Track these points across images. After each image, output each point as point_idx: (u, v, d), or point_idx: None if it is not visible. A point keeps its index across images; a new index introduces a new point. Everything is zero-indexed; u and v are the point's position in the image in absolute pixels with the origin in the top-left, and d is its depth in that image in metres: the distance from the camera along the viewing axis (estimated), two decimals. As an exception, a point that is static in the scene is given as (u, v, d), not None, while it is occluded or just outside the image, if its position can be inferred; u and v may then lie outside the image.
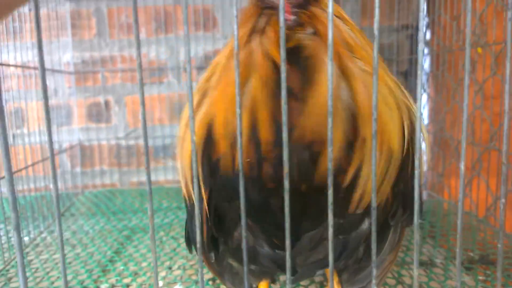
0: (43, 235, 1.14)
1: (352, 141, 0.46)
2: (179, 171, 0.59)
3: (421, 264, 0.86)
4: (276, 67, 0.46)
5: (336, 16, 0.50)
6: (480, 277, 0.79)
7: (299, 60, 0.48)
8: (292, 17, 0.49)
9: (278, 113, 0.43)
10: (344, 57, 0.47)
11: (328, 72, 0.40)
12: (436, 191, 1.45)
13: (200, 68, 1.57)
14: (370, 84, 0.45)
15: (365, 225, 0.56)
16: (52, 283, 0.86)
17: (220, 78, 0.52)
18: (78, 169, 1.58)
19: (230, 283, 0.67)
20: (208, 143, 0.51)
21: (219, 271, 0.67)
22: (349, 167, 0.47)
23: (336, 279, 0.65)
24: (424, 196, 1.57)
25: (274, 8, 0.49)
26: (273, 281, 0.70)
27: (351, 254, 0.59)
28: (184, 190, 0.60)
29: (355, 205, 0.50)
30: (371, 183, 0.44)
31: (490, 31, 1.13)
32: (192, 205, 0.58)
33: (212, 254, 0.61)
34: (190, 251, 0.68)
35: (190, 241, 0.66)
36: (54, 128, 1.47)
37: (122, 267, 0.92)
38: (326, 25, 0.41)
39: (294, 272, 0.60)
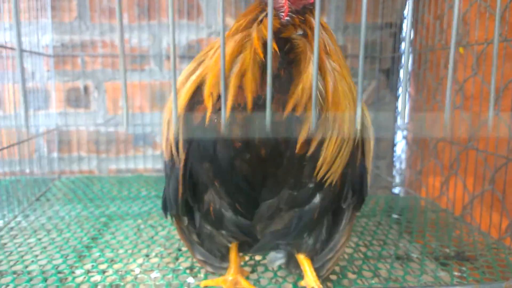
0: (17, 219, 1.11)
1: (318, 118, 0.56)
2: (162, 131, 0.64)
3: (397, 258, 0.88)
4: (266, 51, 0.50)
5: (321, 25, 0.60)
6: (456, 273, 0.81)
7: (289, 51, 0.58)
8: (287, 18, 0.60)
9: (262, 84, 0.55)
10: (322, 58, 0.58)
11: (313, 64, 0.50)
12: (413, 189, 1.48)
13: (183, 57, 1.56)
14: (337, 80, 0.58)
15: (316, 199, 0.63)
16: (26, 266, 0.84)
17: (216, 51, 0.59)
18: (55, 154, 1.54)
19: (206, 250, 0.77)
20: (192, 103, 0.58)
21: (189, 239, 0.77)
22: (314, 138, 0.56)
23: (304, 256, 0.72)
24: (402, 193, 1.60)
25: (274, 8, 0.59)
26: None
27: (305, 228, 0.67)
28: (164, 149, 0.64)
29: (317, 172, 0.58)
30: (330, 155, 0.57)
31: (472, 31, 1.15)
32: (171, 164, 0.64)
33: (185, 218, 0.72)
34: (166, 216, 0.75)
35: (165, 206, 0.73)
36: (31, 112, 1.43)
37: (98, 253, 0.91)
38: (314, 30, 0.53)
39: (255, 240, 0.70)
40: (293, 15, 0.60)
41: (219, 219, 0.66)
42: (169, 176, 0.67)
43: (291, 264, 0.76)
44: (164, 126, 0.63)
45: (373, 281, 0.79)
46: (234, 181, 0.60)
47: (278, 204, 0.63)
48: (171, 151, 0.62)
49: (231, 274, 0.75)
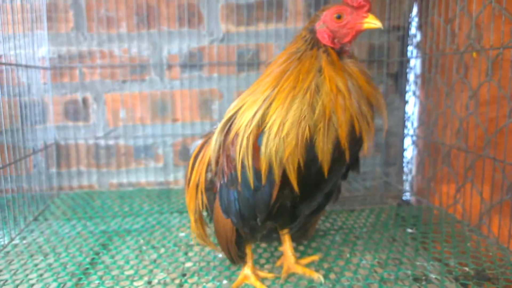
0: (14, 242, 1.06)
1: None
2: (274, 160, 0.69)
3: (415, 279, 0.82)
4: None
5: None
6: (477, 295, 0.75)
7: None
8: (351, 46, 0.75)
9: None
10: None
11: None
12: (424, 196, 1.42)
13: (184, 66, 1.51)
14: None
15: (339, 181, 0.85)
16: (20, 300, 0.79)
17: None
18: (53, 170, 1.49)
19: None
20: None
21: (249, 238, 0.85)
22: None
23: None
24: (412, 201, 1.54)
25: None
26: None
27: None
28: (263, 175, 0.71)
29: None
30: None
31: (486, 34, 1.09)
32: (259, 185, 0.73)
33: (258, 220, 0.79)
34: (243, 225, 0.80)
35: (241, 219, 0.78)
36: (28, 126, 1.39)
37: (97, 281, 0.86)
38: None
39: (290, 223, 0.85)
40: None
41: (281, 213, 0.78)
42: (254, 194, 0.74)
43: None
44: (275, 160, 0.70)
45: (392, 308, 0.73)
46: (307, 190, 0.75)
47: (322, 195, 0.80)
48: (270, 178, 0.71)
49: (249, 268, 0.85)
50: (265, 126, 0.68)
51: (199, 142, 0.92)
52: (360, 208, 1.27)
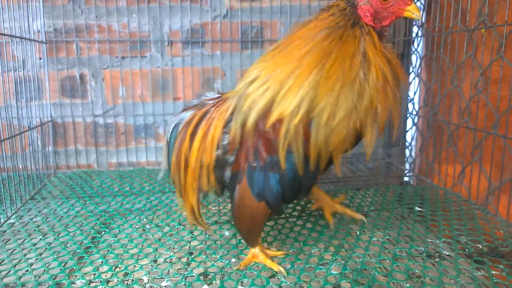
0: (10, 221, 1.02)
1: None
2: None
3: (429, 256, 0.81)
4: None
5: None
6: (494, 272, 0.73)
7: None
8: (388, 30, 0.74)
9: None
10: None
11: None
12: (426, 177, 1.40)
13: (186, 43, 1.46)
14: None
15: None
16: (20, 277, 0.75)
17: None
18: (50, 148, 1.45)
19: None
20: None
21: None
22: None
23: None
24: (413, 182, 1.53)
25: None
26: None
27: None
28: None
29: None
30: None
31: (499, 10, 1.06)
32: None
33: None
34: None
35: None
36: (23, 103, 1.34)
37: (100, 260, 0.82)
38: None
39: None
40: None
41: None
42: (301, 177, 0.73)
43: None
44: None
45: (407, 284, 0.71)
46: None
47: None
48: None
49: (258, 247, 0.82)
50: (315, 114, 0.66)
51: (186, 114, 0.83)
52: (365, 187, 1.25)
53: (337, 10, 0.70)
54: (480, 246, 0.84)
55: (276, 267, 0.77)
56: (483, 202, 1.11)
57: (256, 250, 0.81)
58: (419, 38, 1.54)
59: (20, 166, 1.26)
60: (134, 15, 1.42)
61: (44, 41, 1.39)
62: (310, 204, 1.06)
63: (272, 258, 0.81)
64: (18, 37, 1.22)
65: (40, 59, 1.40)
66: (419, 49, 1.54)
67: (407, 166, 1.61)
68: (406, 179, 1.56)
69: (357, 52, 0.67)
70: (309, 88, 0.66)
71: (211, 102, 0.83)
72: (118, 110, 1.48)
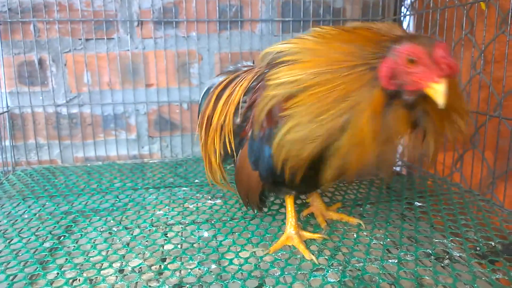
0: (-46, 227, 0.88)
1: None
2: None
3: (437, 259, 0.71)
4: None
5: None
6: (513, 274, 0.64)
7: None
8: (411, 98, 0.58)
9: None
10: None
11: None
12: (418, 166, 1.31)
13: (158, 23, 1.32)
14: None
15: None
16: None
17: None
18: (7, 143, 1.30)
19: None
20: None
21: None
22: None
23: None
24: (403, 171, 1.44)
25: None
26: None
27: None
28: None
29: None
30: None
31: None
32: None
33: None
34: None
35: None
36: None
37: (56, 271, 0.70)
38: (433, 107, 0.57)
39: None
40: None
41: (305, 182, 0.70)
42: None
43: None
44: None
45: (416, 293, 0.61)
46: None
47: None
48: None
49: (293, 228, 0.79)
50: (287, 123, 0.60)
51: (219, 79, 0.88)
52: (358, 180, 1.14)
53: (376, 44, 0.58)
54: (492, 243, 0.75)
55: (308, 255, 0.73)
56: (484, 192, 1.02)
57: (291, 232, 0.78)
58: (407, 17, 1.44)
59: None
60: (99, -8, 1.27)
61: (-4, 21, 1.23)
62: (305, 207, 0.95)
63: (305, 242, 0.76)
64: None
65: (-7, 42, 1.24)
66: (409, 29, 1.44)
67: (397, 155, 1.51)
68: (397, 169, 1.47)
69: (352, 97, 0.56)
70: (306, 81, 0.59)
71: (245, 69, 0.86)
72: (84, 98, 1.33)
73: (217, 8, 1.34)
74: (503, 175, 0.98)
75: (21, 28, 1.26)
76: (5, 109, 1.28)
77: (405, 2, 1.45)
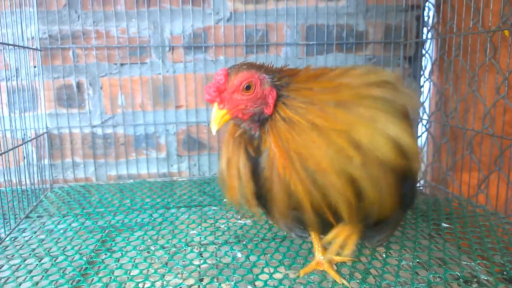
0: (4, 243, 0.94)
1: None
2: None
3: (465, 282, 0.73)
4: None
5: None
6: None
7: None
8: (256, 134, 0.65)
9: None
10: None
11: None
12: (442, 184, 1.33)
13: (188, 48, 1.38)
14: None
15: None
16: (13, 314, 0.67)
17: None
18: (46, 161, 1.37)
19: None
20: None
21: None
22: None
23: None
24: (427, 190, 1.46)
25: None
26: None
27: None
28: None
29: None
30: None
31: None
32: None
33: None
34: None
35: None
36: (16, 114, 1.26)
37: (99, 284, 0.75)
38: (278, 137, 0.61)
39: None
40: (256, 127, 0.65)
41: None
42: None
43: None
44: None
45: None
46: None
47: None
48: None
49: (320, 253, 0.80)
50: None
51: None
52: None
53: None
54: (519, 267, 0.77)
55: (339, 279, 0.74)
56: (509, 215, 1.04)
57: (319, 257, 0.79)
58: (429, 41, 1.47)
59: (14, 181, 1.18)
60: (134, 19, 1.35)
61: (38, 48, 1.31)
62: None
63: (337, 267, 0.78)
64: (11, 44, 1.14)
65: (35, 67, 1.33)
66: (430, 52, 1.48)
67: (420, 174, 1.53)
68: (420, 188, 1.48)
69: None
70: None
71: None
72: (117, 119, 1.40)
73: (244, 33, 1.40)
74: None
75: (61, 53, 1.34)
76: (44, 130, 1.35)
77: (427, 24, 1.49)
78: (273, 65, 0.68)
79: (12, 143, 1.15)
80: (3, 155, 1.03)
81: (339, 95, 0.60)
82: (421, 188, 1.45)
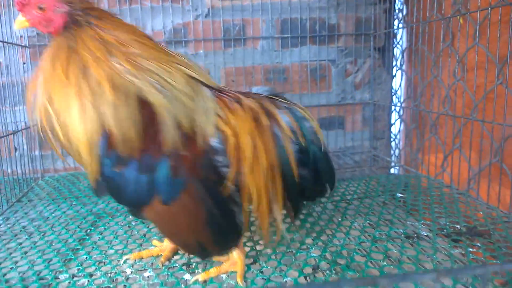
0: (-4, 223, 1.03)
1: None
2: None
3: (407, 237, 0.82)
4: None
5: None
6: (470, 249, 0.75)
7: None
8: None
9: None
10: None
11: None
12: (413, 167, 1.42)
13: (169, 43, 1.47)
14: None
15: None
16: (4, 274, 0.76)
17: None
18: (36, 152, 1.45)
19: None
20: None
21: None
22: None
23: None
24: (400, 172, 1.55)
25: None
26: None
27: None
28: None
29: None
30: None
31: (472, -1, 1.08)
32: None
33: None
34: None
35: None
36: (7, 108, 1.34)
37: (85, 256, 0.83)
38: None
39: None
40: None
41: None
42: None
43: None
44: None
45: (384, 263, 0.72)
46: None
47: None
48: None
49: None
50: None
51: None
52: (350, 178, 1.26)
53: None
54: (458, 226, 0.86)
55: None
56: (465, 189, 1.13)
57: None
58: (400, 30, 1.56)
59: (8, 171, 1.26)
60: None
61: (27, 45, 1.40)
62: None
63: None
64: (0, 41, 1.23)
65: (24, 63, 1.41)
66: (400, 42, 1.57)
67: (393, 158, 1.63)
68: (392, 170, 1.58)
69: None
70: None
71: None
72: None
73: (222, 27, 1.49)
74: (484, 172, 1.08)
75: (49, 51, 1.42)
76: (35, 123, 1.43)
77: (398, 15, 1.58)
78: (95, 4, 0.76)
79: (4, 134, 1.23)
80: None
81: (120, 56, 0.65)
82: (395, 170, 1.55)
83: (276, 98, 0.76)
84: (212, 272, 0.73)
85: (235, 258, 0.74)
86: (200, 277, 0.72)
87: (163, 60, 0.67)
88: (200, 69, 0.73)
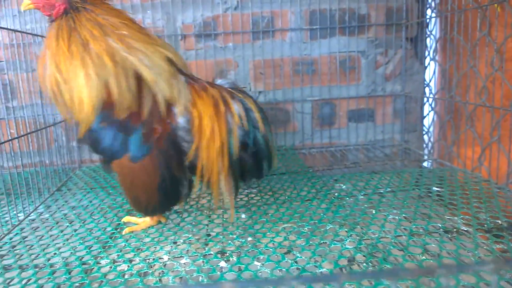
0: (38, 211, 1.08)
1: None
2: None
3: (446, 231, 0.81)
4: None
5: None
6: None
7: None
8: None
9: None
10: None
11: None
12: (447, 160, 1.39)
13: (199, 36, 1.49)
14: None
15: None
16: (49, 259, 0.80)
17: None
18: (74, 144, 1.51)
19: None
20: None
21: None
22: None
23: None
24: (433, 165, 1.51)
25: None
26: None
27: None
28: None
29: None
30: None
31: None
32: None
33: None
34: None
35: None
36: (47, 101, 1.39)
37: (123, 243, 0.86)
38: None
39: None
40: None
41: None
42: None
43: None
44: None
45: (423, 257, 0.71)
46: None
47: None
48: None
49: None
50: None
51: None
52: (382, 170, 1.25)
53: None
54: (499, 222, 0.84)
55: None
56: (504, 183, 1.09)
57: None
58: (433, 20, 1.52)
59: (47, 162, 1.32)
60: (149, 11, 1.46)
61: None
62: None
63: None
64: (40, 35, 1.27)
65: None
66: (434, 32, 1.53)
67: (425, 151, 1.59)
68: (425, 164, 1.54)
69: None
70: None
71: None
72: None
73: (250, 20, 1.49)
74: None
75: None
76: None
77: (430, 4, 1.53)
78: None
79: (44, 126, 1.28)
80: (35, 135, 1.17)
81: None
82: (427, 164, 1.52)
83: (233, 90, 0.88)
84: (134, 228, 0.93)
85: (147, 220, 0.94)
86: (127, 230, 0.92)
87: (147, 42, 0.78)
88: (178, 54, 0.84)
